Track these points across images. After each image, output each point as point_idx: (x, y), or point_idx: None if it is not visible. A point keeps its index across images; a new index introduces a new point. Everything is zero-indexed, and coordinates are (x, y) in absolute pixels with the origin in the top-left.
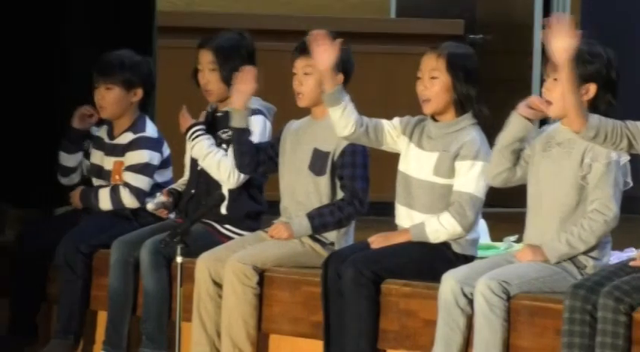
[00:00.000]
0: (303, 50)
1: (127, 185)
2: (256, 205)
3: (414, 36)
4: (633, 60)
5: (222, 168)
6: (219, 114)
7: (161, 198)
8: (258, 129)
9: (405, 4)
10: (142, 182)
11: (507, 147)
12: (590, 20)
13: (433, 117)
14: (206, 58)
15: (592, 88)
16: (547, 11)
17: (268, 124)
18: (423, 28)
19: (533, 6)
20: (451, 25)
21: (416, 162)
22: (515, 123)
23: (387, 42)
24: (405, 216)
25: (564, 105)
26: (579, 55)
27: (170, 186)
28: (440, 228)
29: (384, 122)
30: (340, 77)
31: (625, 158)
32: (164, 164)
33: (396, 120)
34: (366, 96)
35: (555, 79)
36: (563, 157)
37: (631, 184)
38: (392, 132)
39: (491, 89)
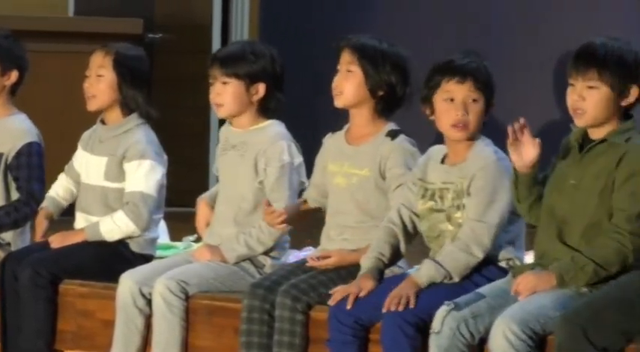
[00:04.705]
0: None
1: None
2: None
3: (92, 35)
4: (312, 57)
5: None
6: None
7: None
8: None
9: (83, 3)
10: None
11: None
12: (269, 20)
13: (102, 121)
14: None
15: (261, 88)
16: (226, 12)
17: None
18: (102, 27)
19: (212, 6)
20: (130, 24)
21: (88, 168)
22: None
23: (65, 41)
24: (83, 222)
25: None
26: (242, 55)
27: None
28: (114, 227)
29: (62, 176)
30: None
31: (298, 159)
32: None
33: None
34: (44, 95)
35: (224, 83)
36: (238, 161)
37: (306, 184)
38: (73, 171)
39: (170, 88)
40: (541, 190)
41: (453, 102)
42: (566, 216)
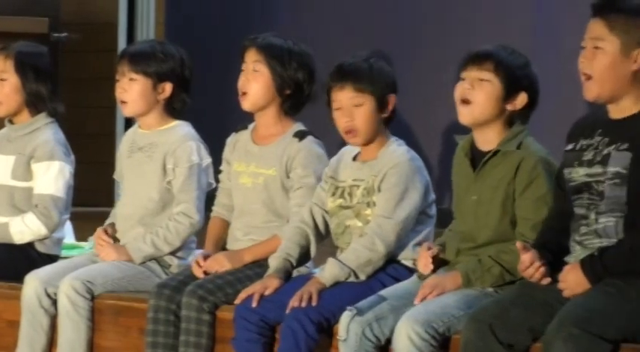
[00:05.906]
0: None
1: None
2: None
3: None
4: (217, 57)
5: None
6: None
7: None
8: None
9: None
10: None
11: None
12: (175, 19)
13: (10, 121)
14: None
15: (167, 87)
16: (132, 11)
17: None
18: (7, 26)
19: (118, 5)
20: (35, 23)
21: None
22: None
23: None
24: None
25: None
26: (152, 53)
27: None
28: (25, 229)
29: None
30: None
31: (207, 160)
32: None
33: None
34: None
35: (131, 79)
36: (145, 162)
37: (214, 185)
38: None
39: (77, 87)
40: None
41: (340, 110)
42: (472, 231)
